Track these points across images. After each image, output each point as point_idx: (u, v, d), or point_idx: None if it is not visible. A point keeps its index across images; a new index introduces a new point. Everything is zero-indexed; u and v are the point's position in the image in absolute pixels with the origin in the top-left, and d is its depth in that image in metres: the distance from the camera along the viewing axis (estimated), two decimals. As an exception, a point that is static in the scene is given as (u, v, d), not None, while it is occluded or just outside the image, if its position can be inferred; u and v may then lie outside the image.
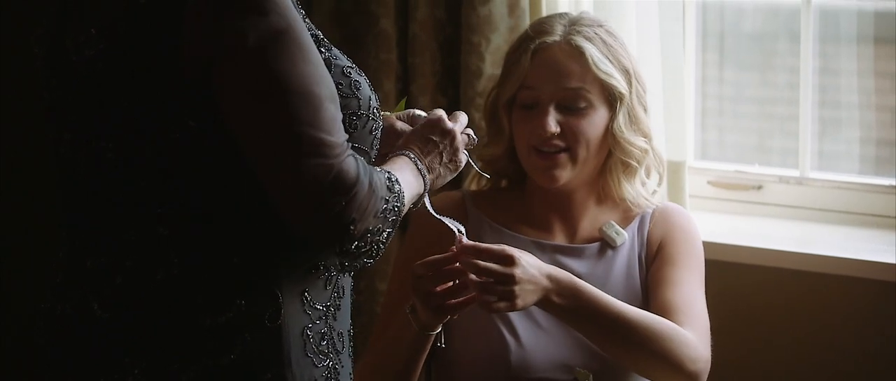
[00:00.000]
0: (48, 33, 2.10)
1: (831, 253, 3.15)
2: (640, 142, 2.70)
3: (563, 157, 2.67)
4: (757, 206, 3.41)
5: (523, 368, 2.63)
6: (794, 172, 3.39)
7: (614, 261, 2.70)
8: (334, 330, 2.13)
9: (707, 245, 3.20)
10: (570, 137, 2.66)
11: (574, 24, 2.71)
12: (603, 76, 2.66)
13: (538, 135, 2.65)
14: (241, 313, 2.03)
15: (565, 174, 2.68)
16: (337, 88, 2.05)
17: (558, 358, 2.64)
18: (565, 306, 2.49)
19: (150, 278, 2.03)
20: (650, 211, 2.75)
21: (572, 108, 2.66)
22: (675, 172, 3.23)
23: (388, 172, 2.09)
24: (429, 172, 2.22)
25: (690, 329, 2.60)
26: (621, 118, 2.68)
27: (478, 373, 2.66)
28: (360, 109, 2.09)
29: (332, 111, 1.99)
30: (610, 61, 2.67)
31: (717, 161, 3.53)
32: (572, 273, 2.57)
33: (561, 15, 2.77)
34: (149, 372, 2.03)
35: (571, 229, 2.74)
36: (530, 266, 2.45)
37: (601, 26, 2.72)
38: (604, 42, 2.69)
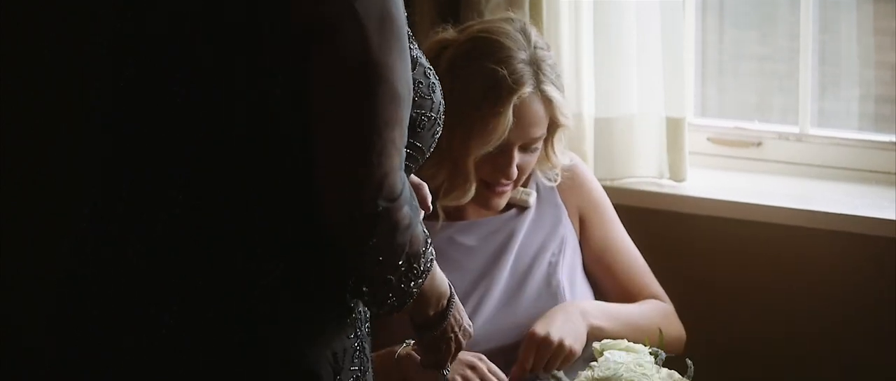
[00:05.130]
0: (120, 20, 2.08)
1: (831, 209, 3.15)
2: (563, 149, 2.85)
3: (510, 188, 2.78)
4: (756, 162, 3.40)
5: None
6: (794, 129, 3.39)
7: (531, 213, 2.84)
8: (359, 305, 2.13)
9: (706, 202, 3.23)
10: (521, 173, 2.76)
11: (537, 65, 2.72)
12: (563, 121, 2.76)
13: (498, 177, 2.74)
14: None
15: (505, 201, 2.80)
16: (417, 86, 2.05)
17: (502, 343, 2.70)
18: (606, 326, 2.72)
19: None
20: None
21: (530, 149, 2.75)
22: (674, 129, 3.23)
23: (431, 249, 2.07)
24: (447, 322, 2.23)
25: (661, 295, 2.88)
26: (558, 139, 2.81)
27: None
28: (431, 110, 2.09)
29: (404, 115, 1.97)
30: (563, 98, 2.75)
31: (717, 118, 3.52)
32: (491, 237, 2.78)
33: (518, 46, 2.73)
34: (185, 310, 2.02)
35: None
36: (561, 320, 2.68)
37: (549, 51, 2.77)
38: (556, 75, 2.75)
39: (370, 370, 2.13)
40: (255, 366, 2.02)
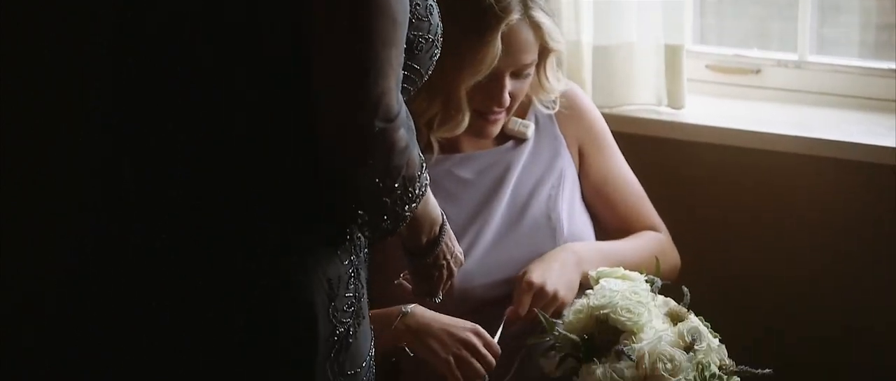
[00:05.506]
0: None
1: (830, 137, 3.14)
2: (557, 76, 2.83)
3: (503, 115, 2.76)
4: (755, 90, 3.40)
5: (465, 286, 2.66)
6: (793, 56, 3.37)
7: (530, 145, 2.83)
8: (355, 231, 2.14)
9: (705, 129, 3.22)
10: (513, 100, 2.74)
11: None
12: (553, 46, 2.73)
13: (490, 105, 2.72)
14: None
15: (499, 128, 2.78)
16: (414, 8, 2.05)
17: (499, 277, 2.71)
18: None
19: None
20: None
21: (522, 75, 2.73)
22: (673, 57, 3.22)
23: (426, 173, 2.08)
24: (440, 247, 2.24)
25: (658, 225, 2.90)
26: (550, 64, 2.78)
27: None
28: (428, 32, 2.09)
29: (401, 37, 1.98)
30: (553, 22, 2.72)
31: (716, 45, 3.51)
32: (488, 170, 2.77)
33: None
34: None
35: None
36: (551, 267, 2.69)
37: None
38: (546, 1, 2.74)
39: (365, 296, 2.14)
40: (255, 365, 2.03)
